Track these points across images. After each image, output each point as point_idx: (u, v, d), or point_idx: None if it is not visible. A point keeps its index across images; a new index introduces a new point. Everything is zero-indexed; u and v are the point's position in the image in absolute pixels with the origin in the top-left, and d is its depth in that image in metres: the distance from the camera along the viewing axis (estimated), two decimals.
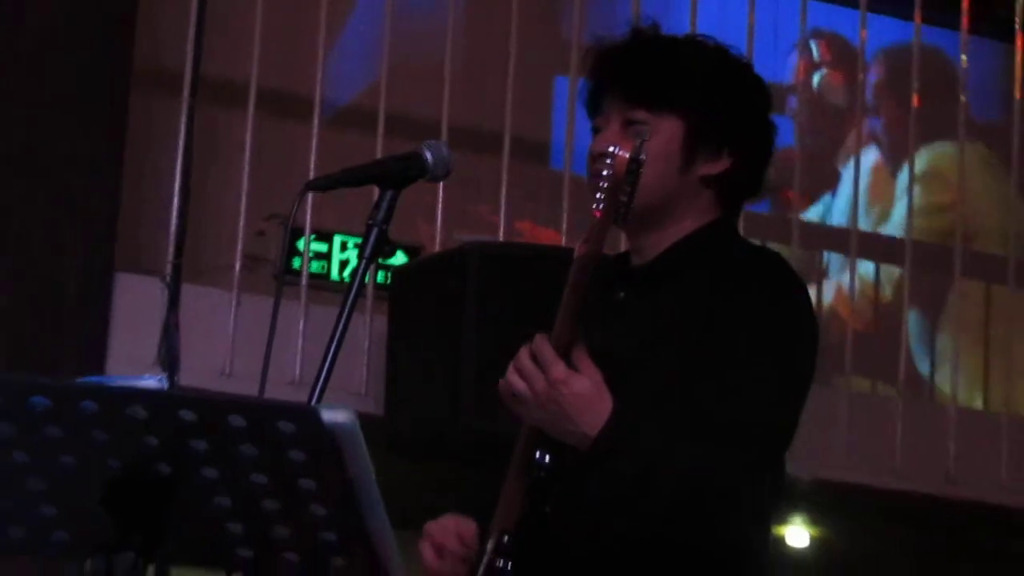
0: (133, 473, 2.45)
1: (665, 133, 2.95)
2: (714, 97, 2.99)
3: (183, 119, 5.95)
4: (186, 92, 5.98)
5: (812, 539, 8.41)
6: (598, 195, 2.72)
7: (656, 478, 2.76)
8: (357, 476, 2.41)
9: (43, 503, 2.54)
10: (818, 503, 7.39)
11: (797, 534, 8.34)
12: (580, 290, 2.73)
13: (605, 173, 2.72)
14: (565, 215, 6.37)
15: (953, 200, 7.56)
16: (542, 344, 2.75)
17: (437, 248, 6.19)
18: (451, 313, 5.56)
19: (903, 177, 7.96)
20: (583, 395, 2.74)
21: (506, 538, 2.79)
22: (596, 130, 3.02)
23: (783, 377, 2.87)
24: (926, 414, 6.99)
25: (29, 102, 5.80)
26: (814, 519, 8.07)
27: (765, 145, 3.04)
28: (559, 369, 2.73)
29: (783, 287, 2.93)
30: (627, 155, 2.69)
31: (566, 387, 2.73)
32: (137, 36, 6.02)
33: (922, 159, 7.63)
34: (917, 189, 7.63)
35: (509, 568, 2.78)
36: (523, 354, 2.77)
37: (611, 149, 2.71)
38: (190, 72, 5.99)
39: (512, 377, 2.78)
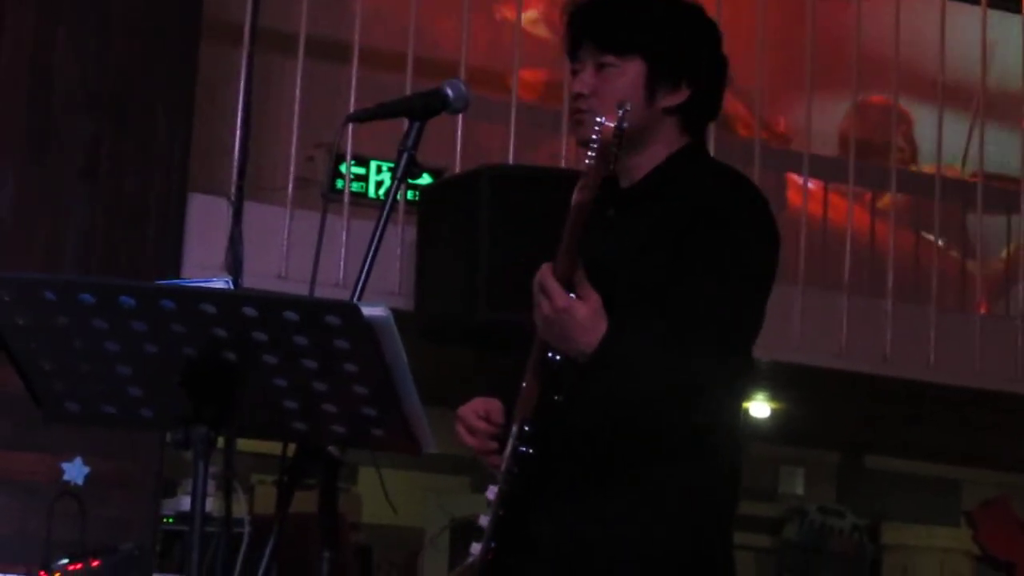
0: (205, 359, 2.45)
1: (630, 73, 2.94)
2: (670, 38, 2.95)
3: (244, 64, 5.94)
4: (246, 41, 5.96)
5: (772, 411, 8.43)
6: (590, 153, 2.69)
7: (639, 379, 2.75)
8: (392, 361, 2.41)
9: (131, 385, 2.54)
10: (776, 381, 7.40)
11: (759, 407, 8.36)
12: (578, 228, 2.69)
13: (594, 137, 2.68)
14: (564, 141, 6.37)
15: None
16: (547, 277, 2.71)
17: (457, 170, 6.17)
18: (468, 224, 5.55)
19: None
20: (583, 321, 2.71)
21: (526, 428, 2.80)
22: (574, 72, 3.00)
23: (746, 283, 2.83)
24: (867, 308, 6.98)
25: (119, 54, 5.77)
26: (773, 394, 8.09)
27: (717, 75, 3.01)
28: (563, 299, 2.71)
29: (747, 203, 2.89)
30: (612, 125, 2.67)
31: (568, 314, 2.70)
32: None
33: None
34: None
35: (531, 452, 2.80)
36: (535, 284, 2.74)
37: (599, 120, 2.67)
38: (249, 24, 5.97)
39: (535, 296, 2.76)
